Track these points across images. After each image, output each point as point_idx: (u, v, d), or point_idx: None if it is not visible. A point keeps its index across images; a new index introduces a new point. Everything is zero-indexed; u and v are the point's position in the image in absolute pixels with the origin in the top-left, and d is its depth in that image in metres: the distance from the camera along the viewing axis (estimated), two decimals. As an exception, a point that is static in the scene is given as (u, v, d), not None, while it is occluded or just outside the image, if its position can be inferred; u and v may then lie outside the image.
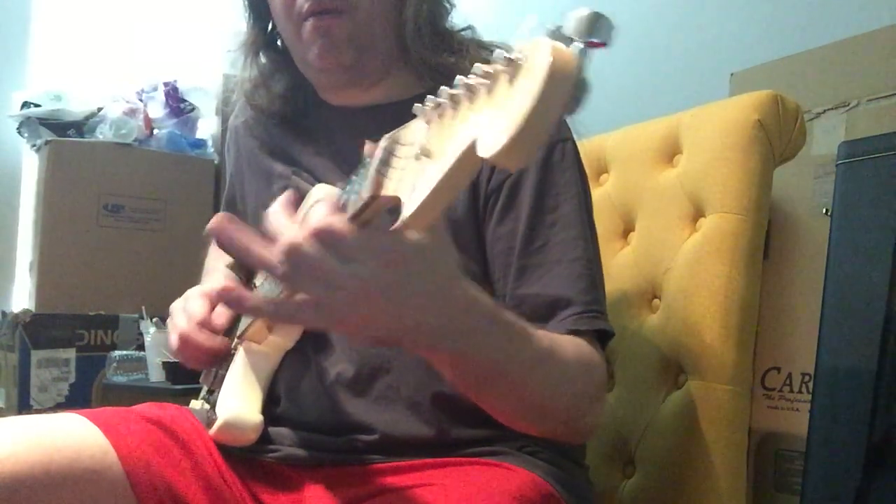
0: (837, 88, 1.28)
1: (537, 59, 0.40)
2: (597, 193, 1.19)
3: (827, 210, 1.16)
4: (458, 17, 0.97)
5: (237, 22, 1.03)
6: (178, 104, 2.32)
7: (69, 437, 0.77)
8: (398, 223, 0.52)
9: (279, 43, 1.01)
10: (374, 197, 0.55)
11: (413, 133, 0.53)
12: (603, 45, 0.42)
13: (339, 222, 0.56)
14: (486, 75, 0.44)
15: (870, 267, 0.95)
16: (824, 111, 1.28)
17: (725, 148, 1.04)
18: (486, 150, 0.42)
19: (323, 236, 0.56)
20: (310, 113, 0.99)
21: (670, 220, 1.09)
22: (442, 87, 0.49)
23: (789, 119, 1.05)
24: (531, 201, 0.85)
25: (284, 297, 0.63)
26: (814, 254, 1.18)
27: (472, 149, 0.44)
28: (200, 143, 2.34)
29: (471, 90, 0.46)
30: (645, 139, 1.19)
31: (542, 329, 0.77)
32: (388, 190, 0.55)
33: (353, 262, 0.56)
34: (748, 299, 0.99)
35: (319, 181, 0.93)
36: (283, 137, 1.00)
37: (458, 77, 0.47)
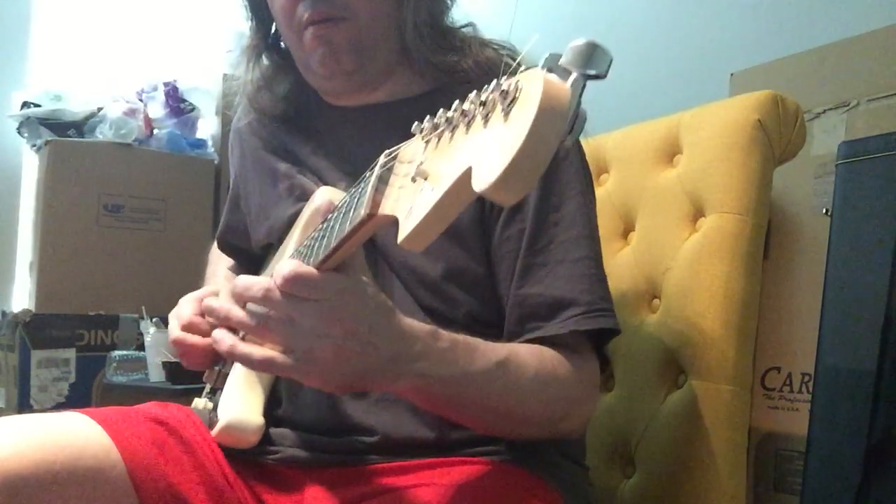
0: (837, 88, 1.27)
1: (530, 94, 0.40)
2: (597, 193, 1.19)
3: (827, 210, 1.16)
4: (459, 14, 0.96)
5: (237, 22, 1.03)
6: (178, 104, 2.32)
7: (72, 435, 0.76)
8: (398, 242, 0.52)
9: (282, 44, 1.00)
10: (371, 215, 0.57)
11: (411, 152, 0.54)
12: (600, 76, 0.41)
13: (302, 267, 0.62)
14: (482, 103, 0.44)
15: (870, 267, 0.95)
16: (824, 111, 1.28)
17: (725, 148, 1.04)
18: (479, 184, 0.42)
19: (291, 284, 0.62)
20: (313, 113, 0.99)
21: (670, 220, 1.09)
22: (440, 110, 0.50)
23: (789, 119, 1.05)
24: (536, 202, 0.85)
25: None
26: (814, 254, 1.18)
27: (466, 177, 0.44)
28: (200, 143, 2.34)
29: (467, 115, 0.46)
30: (645, 139, 1.19)
31: (541, 328, 0.80)
32: (385, 209, 0.55)
33: (319, 301, 0.62)
34: (748, 299, 0.99)
35: (323, 180, 0.93)
36: (287, 137, 1.00)
37: (455, 103, 0.48)
